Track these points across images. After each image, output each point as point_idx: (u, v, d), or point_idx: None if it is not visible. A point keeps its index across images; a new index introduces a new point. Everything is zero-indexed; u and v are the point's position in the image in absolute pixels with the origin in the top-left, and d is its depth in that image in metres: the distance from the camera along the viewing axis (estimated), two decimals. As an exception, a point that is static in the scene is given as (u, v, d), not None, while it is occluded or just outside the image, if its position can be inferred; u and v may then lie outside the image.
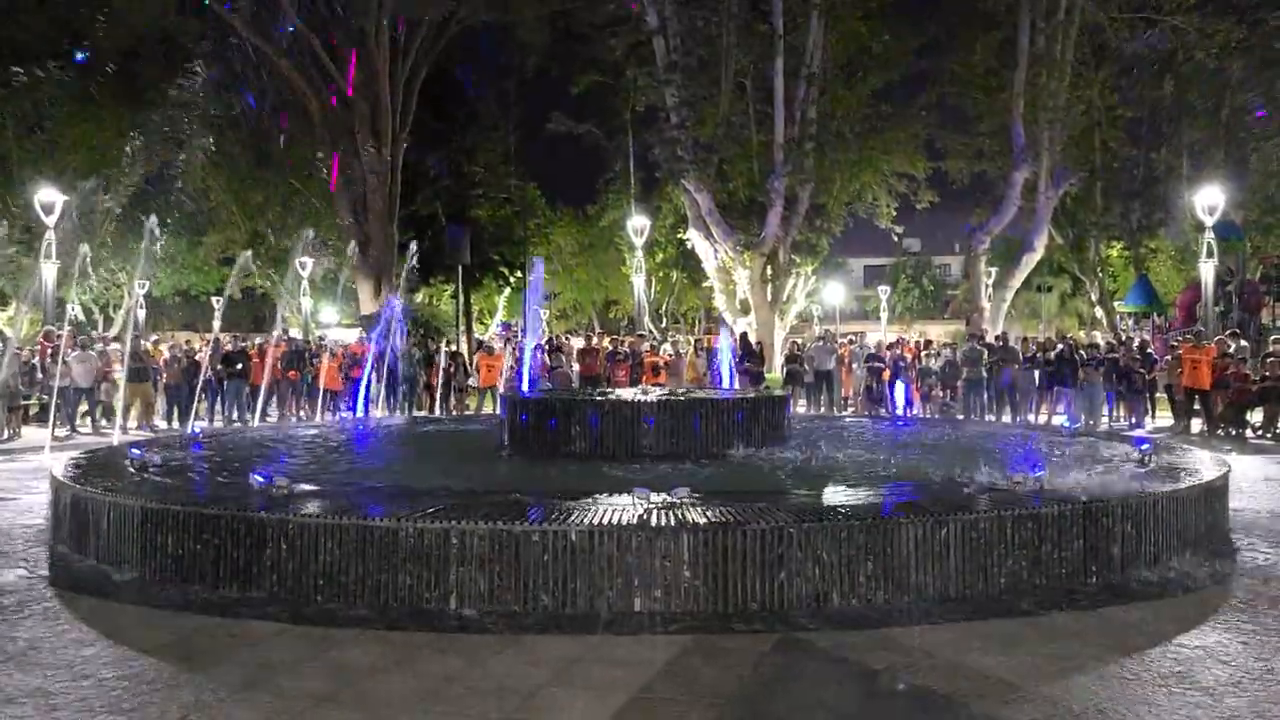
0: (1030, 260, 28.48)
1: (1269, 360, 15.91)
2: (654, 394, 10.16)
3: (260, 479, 6.47)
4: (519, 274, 38.55)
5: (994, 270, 30.21)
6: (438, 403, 19.67)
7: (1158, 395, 17.89)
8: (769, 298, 27.52)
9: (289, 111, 31.94)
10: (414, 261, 21.16)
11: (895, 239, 37.52)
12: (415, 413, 18.89)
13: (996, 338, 20.20)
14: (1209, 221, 21.23)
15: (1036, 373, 18.01)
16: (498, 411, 12.75)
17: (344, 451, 10.40)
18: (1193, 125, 30.27)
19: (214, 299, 32.16)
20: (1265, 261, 29.55)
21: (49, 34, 27.58)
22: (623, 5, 27.79)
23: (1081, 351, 17.81)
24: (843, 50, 27.94)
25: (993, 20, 27.64)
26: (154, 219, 16.58)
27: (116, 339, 20.69)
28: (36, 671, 4.49)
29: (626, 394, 10.27)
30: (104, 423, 16.97)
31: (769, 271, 27.70)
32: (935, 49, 29.55)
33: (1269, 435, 15.32)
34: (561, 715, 4.03)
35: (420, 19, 29.12)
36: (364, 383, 17.65)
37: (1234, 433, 15.50)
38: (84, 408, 16.92)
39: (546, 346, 20.32)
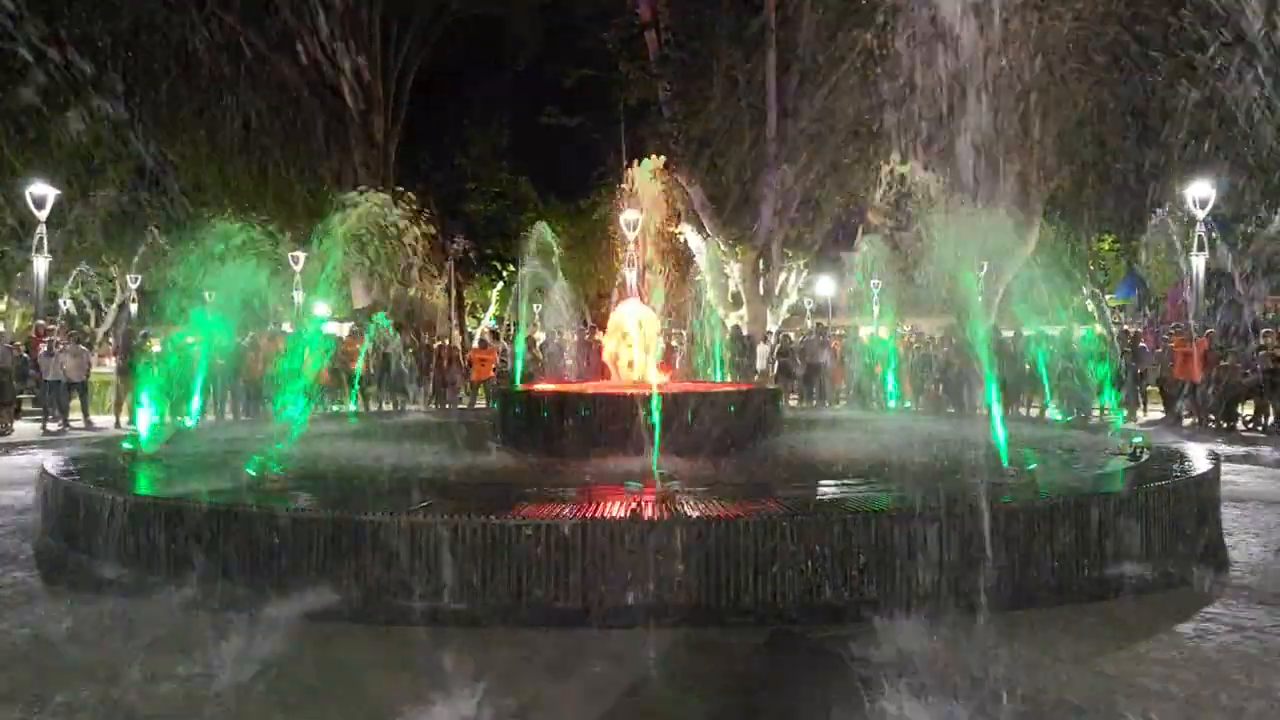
0: (1021, 254, 28.49)
1: (1260, 353, 15.95)
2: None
3: (251, 472, 6.45)
4: (511, 268, 38.50)
5: (985, 264, 30.17)
6: (429, 397, 19.61)
7: (1149, 388, 17.94)
8: (761, 291, 27.51)
9: (281, 105, 31.83)
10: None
11: (888, 232, 37.40)
12: (408, 407, 18.83)
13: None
14: (1200, 215, 21.28)
15: (1026, 365, 18.00)
16: (490, 405, 12.73)
17: (333, 446, 10.35)
18: (1184, 118, 30.24)
19: (206, 293, 31.94)
20: (1255, 254, 29.58)
21: (45, 32, 27.36)
22: (615, -2, 27.71)
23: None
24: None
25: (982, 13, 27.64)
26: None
27: (109, 333, 20.62)
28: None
29: (618, 388, 10.25)
30: (95, 418, 16.90)
31: (761, 265, 27.68)
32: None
33: (1260, 428, 15.38)
34: (556, 710, 4.03)
35: (413, 13, 29.06)
36: (356, 378, 17.60)
37: (1225, 425, 15.56)
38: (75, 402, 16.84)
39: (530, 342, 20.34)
